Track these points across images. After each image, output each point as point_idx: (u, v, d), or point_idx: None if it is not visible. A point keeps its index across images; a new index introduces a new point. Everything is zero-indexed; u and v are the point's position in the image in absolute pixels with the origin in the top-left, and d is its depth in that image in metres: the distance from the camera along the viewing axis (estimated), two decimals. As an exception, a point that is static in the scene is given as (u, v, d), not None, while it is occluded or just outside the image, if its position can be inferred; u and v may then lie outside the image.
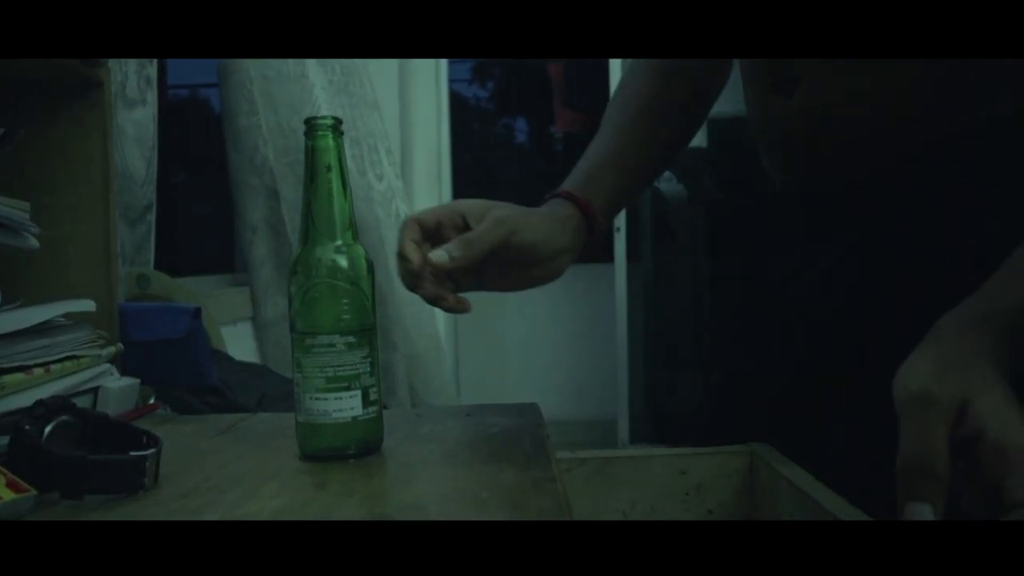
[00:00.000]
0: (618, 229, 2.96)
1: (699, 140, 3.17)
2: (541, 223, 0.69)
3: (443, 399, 2.52)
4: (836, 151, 0.64)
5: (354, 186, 2.25)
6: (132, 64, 1.61)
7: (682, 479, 0.70)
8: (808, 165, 0.67)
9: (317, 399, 0.61)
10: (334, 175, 0.63)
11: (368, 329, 0.63)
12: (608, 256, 3.06)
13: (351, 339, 0.61)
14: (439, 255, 0.63)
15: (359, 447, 0.63)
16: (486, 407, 0.82)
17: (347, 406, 0.61)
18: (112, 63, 1.55)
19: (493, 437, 0.70)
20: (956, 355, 0.46)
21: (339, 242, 0.63)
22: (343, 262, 0.62)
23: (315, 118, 0.63)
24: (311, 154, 0.63)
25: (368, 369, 0.62)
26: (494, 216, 0.66)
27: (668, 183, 3.24)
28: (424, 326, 2.50)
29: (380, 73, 2.65)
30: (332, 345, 0.61)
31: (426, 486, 0.57)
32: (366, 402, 0.62)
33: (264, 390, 1.37)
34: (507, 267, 0.68)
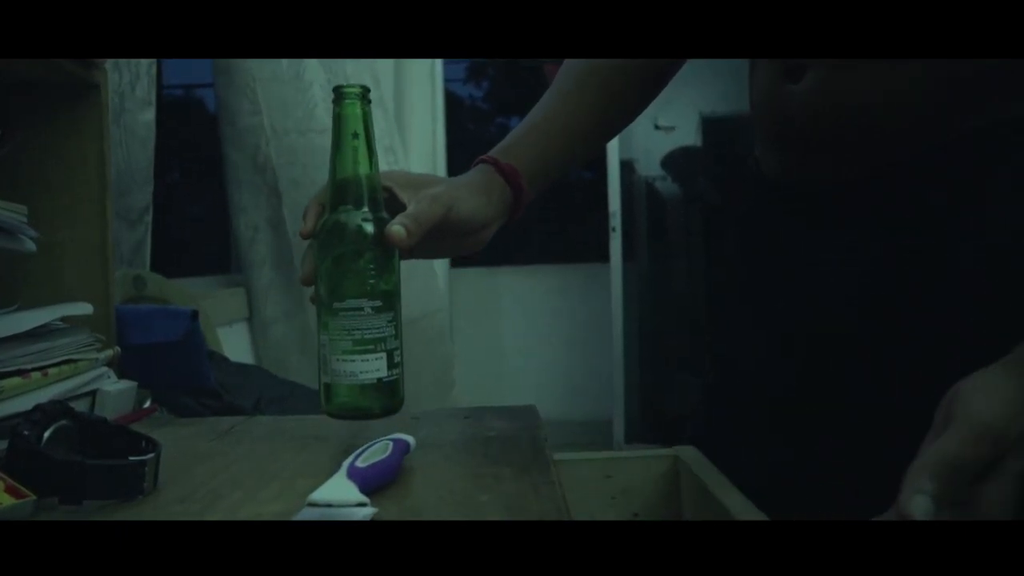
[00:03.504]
0: (614, 229, 2.96)
1: (694, 140, 3.18)
2: (471, 195, 0.69)
3: (439, 402, 2.52)
4: (839, 143, 0.64)
5: None
6: (143, 65, 1.61)
7: (608, 483, 0.71)
8: (809, 156, 0.67)
9: (344, 361, 0.63)
10: (360, 143, 0.64)
11: (393, 294, 0.64)
12: (604, 257, 3.06)
13: (377, 303, 0.63)
14: (398, 230, 0.63)
15: (383, 408, 0.64)
16: (484, 410, 0.82)
17: (372, 368, 0.63)
18: (124, 65, 1.56)
19: (491, 440, 0.70)
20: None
21: (365, 209, 0.64)
22: (369, 228, 0.63)
23: (343, 86, 0.65)
24: (338, 121, 0.64)
25: (393, 332, 0.64)
26: (431, 194, 0.67)
27: (663, 183, 3.24)
28: (431, 324, 2.50)
29: (376, 73, 2.65)
30: (360, 309, 0.62)
31: (424, 491, 0.57)
32: (391, 364, 0.64)
33: (261, 392, 1.37)
34: (437, 239, 0.68)
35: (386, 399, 0.64)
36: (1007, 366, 0.49)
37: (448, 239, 0.70)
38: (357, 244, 0.63)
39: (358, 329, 0.62)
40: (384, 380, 0.63)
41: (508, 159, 0.73)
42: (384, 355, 0.63)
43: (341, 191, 0.64)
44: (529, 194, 0.74)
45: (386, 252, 0.64)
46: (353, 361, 0.62)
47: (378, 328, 0.63)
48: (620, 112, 0.82)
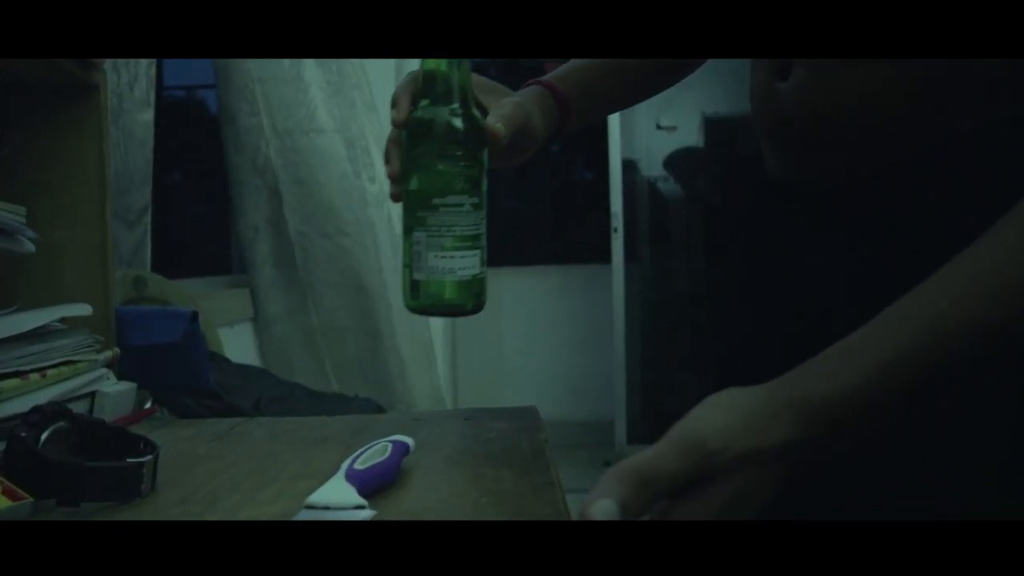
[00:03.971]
0: (615, 230, 2.96)
1: (695, 140, 3.18)
2: (540, 112, 0.70)
3: (431, 405, 2.52)
4: (835, 141, 0.63)
5: (348, 188, 2.24)
6: (142, 66, 1.61)
7: None
8: (807, 155, 0.67)
9: (443, 257, 0.62)
10: None
11: (485, 192, 0.64)
12: (605, 257, 3.05)
13: (476, 200, 0.63)
14: (500, 127, 0.63)
15: (475, 304, 0.64)
16: (484, 411, 0.81)
17: (469, 264, 0.62)
18: (122, 65, 1.56)
19: (491, 441, 0.70)
20: (754, 439, 0.45)
21: (456, 105, 0.63)
22: (471, 124, 0.63)
23: None
24: None
25: (485, 230, 0.64)
26: (515, 101, 0.68)
27: (665, 183, 3.24)
28: (416, 330, 2.49)
29: (377, 73, 2.64)
30: (460, 205, 0.62)
31: (424, 492, 0.57)
32: (482, 262, 0.64)
33: (260, 392, 1.36)
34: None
35: (478, 296, 0.64)
36: (762, 386, 0.47)
37: (506, 150, 0.69)
38: (463, 139, 0.62)
39: (458, 225, 0.62)
40: (478, 277, 0.63)
41: (563, 88, 0.73)
42: (479, 252, 0.63)
43: (441, 83, 0.63)
44: (571, 125, 0.74)
45: (483, 149, 0.63)
46: (452, 257, 0.62)
47: (476, 225, 0.62)
48: (662, 77, 0.83)
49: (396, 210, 2.50)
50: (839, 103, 0.61)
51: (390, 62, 2.77)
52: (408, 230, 0.63)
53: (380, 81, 2.60)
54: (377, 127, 2.48)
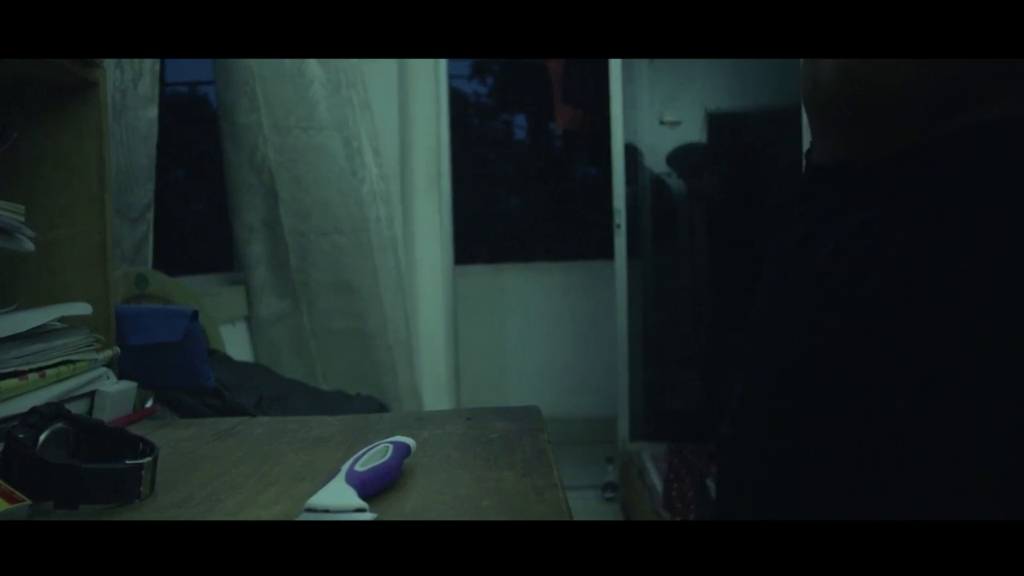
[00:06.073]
0: (618, 226, 2.95)
1: (699, 136, 3.16)
2: None
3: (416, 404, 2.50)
4: (853, 120, 0.63)
5: (345, 188, 2.24)
6: (146, 63, 1.60)
7: None
8: (828, 132, 0.66)
9: None
10: None
11: None
12: (608, 254, 3.05)
13: None
14: None
15: None
16: (487, 410, 0.81)
17: None
18: (127, 62, 1.55)
19: (493, 442, 0.69)
20: None
21: None
22: None
23: None
24: None
25: None
26: None
27: (669, 179, 3.23)
28: (400, 334, 2.48)
29: (379, 69, 2.64)
30: None
31: (426, 494, 0.57)
32: None
33: (262, 391, 1.36)
34: None
35: None
36: None
37: None
38: None
39: None
40: None
41: None
42: None
43: None
44: None
45: None
46: None
47: None
48: None
49: (387, 210, 2.50)
50: (861, 83, 0.61)
51: (392, 62, 2.76)
52: None
53: (379, 81, 2.60)
54: (370, 127, 2.47)
